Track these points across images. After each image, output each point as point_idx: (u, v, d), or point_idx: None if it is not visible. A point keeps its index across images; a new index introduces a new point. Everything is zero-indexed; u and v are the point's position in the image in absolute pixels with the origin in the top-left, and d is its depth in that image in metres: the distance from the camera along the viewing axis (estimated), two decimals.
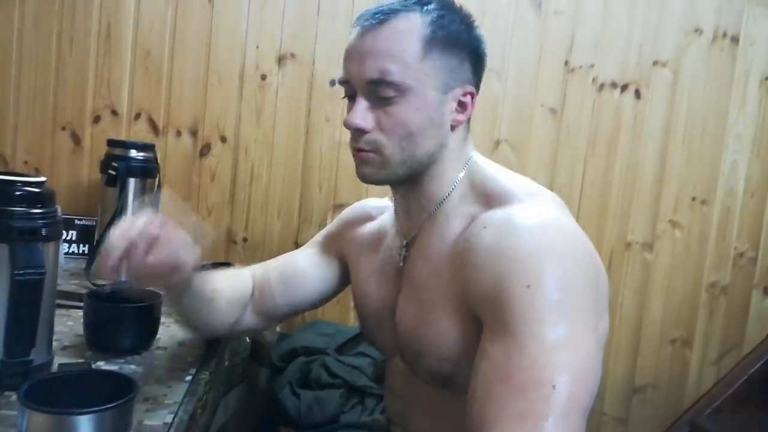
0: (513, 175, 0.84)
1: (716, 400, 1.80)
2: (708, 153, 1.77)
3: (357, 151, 0.80)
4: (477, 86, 0.83)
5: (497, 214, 0.74)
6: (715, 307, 1.81)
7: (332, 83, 1.64)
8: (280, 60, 1.66)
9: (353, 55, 0.79)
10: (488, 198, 0.79)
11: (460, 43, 0.79)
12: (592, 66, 1.72)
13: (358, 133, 0.79)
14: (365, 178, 0.82)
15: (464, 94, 0.81)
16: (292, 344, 1.49)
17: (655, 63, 1.73)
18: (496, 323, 0.67)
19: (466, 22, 0.81)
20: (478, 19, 0.83)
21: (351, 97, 0.81)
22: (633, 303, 1.78)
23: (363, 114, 0.78)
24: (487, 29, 1.64)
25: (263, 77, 1.66)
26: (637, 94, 1.73)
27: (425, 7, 0.77)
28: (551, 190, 0.82)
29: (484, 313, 0.70)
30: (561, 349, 0.63)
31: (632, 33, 1.72)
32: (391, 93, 0.76)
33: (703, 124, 1.76)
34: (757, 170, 1.78)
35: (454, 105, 0.80)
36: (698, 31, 1.73)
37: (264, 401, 1.50)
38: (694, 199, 1.77)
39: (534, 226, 0.71)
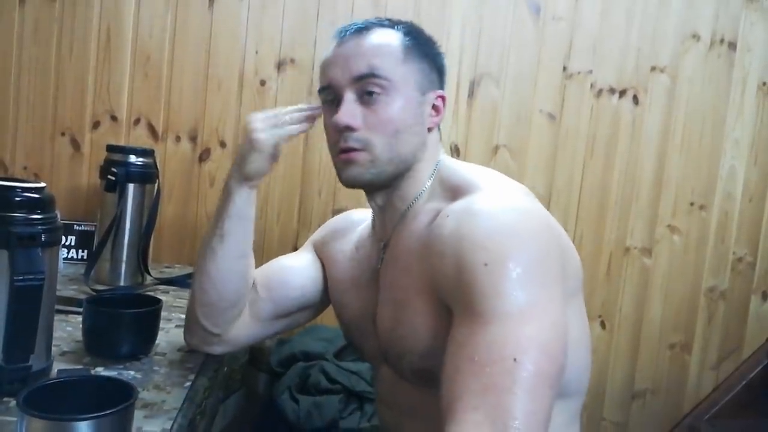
0: (479, 168, 0.87)
1: (715, 405, 1.80)
2: (706, 158, 1.77)
3: (343, 152, 0.82)
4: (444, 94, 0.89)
5: (459, 203, 0.77)
6: (714, 311, 1.81)
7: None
8: (280, 65, 1.66)
9: (337, 60, 0.84)
10: (453, 192, 0.81)
11: (430, 54, 0.87)
12: (590, 72, 1.72)
13: (346, 131, 0.81)
14: (353, 180, 0.84)
15: (437, 98, 0.87)
16: (291, 349, 1.49)
17: (653, 69, 1.73)
18: (461, 306, 0.69)
19: (430, 39, 0.89)
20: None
21: (332, 101, 0.84)
22: (632, 308, 1.78)
23: (351, 112, 0.81)
24: (485, 35, 1.68)
25: (262, 83, 1.66)
26: (635, 100, 1.74)
27: (397, 26, 0.86)
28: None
29: (451, 299, 0.72)
30: (523, 323, 0.64)
31: (630, 39, 1.72)
32: (377, 89, 0.80)
33: (701, 129, 1.76)
34: (754, 175, 1.79)
35: (430, 108, 0.86)
36: (696, 36, 1.74)
37: (263, 407, 1.50)
38: (692, 204, 1.77)
39: (492, 209, 0.73)
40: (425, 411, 0.83)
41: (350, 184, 0.85)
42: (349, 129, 0.81)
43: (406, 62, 0.82)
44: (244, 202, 0.90)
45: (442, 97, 0.87)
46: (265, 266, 1.03)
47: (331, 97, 0.85)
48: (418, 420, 0.85)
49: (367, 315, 0.90)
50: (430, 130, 0.86)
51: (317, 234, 1.07)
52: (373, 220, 0.94)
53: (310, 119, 0.89)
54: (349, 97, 0.81)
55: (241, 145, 0.89)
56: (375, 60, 0.81)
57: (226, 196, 0.91)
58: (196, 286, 0.94)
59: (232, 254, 0.91)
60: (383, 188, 0.86)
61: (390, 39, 0.83)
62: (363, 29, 0.83)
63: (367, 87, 0.81)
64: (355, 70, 0.81)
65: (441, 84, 0.89)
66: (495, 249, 0.68)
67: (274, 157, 0.89)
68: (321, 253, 1.03)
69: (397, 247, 0.85)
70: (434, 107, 0.86)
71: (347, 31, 0.84)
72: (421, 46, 0.85)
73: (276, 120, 0.87)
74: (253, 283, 0.98)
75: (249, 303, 0.97)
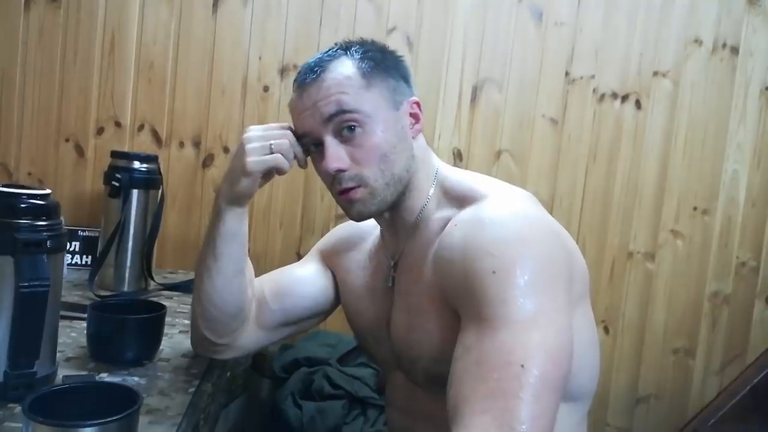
0: (480, 176, 0.89)
1: (720, 410, 1.79)
2: (709, 163, 1.77)
3: (342, 193, 0.83)
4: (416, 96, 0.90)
5: (466, 212, 0.79)
6: (717, 316, 1.80)
7: None
8: (283, 71, 1.67)
9: (305, 108, 0.83)
10: (460, 200, 0.83)
11: (389, 67, 0.86)
12: (593, 77, 1.72)
13: (337, 174, 0.82)
14: (360, 216, 0.85)
15: (412, 105, 0.87)
16: (294, 355, 1.49)
17: (655, 73, 1.74)
18: (469, 312, 0.71)
19: (384, 50, 0.88)
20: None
21: (316, 147, 0.85)
22: (635, 313, 1.78)
23: (337, 155, 0.81)
24: (487, 41, 1.68)
25: (266, 89, 1.67)
26: (638, 105, 1.74)
27: (349, 51, 0.85)
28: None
29: (460, 305, 0.74)
30: (530, 329, 0.66)
31: (632, 44, 1.73)
32: (352, 123, 0.81)
33: (703, 134, 1.76)
34: (757, 180, 1.78)
35: (408, 118, 0.86)
36: (698, 41, 1.74)
37: (266, 412, 1.50)
38: (695, 208, 1.77)
39: (499, 217, 0.75)
40: (437, 415, 0.84)
41: (359, 219, 0.86)
42: (339, 171, 0.82)
43: (370, 87, 0.82)
44: (235, 222, 0.88)
45: (416, 103, 0.87)
46: (273, 275, 1.03)
47: (313, 144, 0.85)
48: (430, 424, 0.86)
49: (381, 322, 0.91)
50: (414, 138, 0.87)
51: (324, 243, 1.07)
52: (382, 231, 0.95)
53: (300, 161, 0.87)
54: (330, 141, 0.82)
55: (232, 162, 0.87)
56: (340, 96, 0.81)
57: (216, 215, 0.89)
58: (195, 304, 0.94)
59: (227, 272, 0.90)
60: (390, 208, 0.87)
61: (347, 70, 0.82)
62: (319, 70, 0.83)
63: (341, 124, 0.81)
64: (325, 111, 0.81)
65: (410, 89, 0.88)
66: (502, 256, 0.70)
67: (266, 179, 0.87)
68: (331, 262, 1.03)
69: (409, 256, 0.87)
70: (412, 115, 0.87)
71: (305, 77, 0.84)
72: (380, 65, 0.84)
73: (268, 147, 0.84)
74: (263, 293, 0.98)
75: (258, 311, 0.97)
